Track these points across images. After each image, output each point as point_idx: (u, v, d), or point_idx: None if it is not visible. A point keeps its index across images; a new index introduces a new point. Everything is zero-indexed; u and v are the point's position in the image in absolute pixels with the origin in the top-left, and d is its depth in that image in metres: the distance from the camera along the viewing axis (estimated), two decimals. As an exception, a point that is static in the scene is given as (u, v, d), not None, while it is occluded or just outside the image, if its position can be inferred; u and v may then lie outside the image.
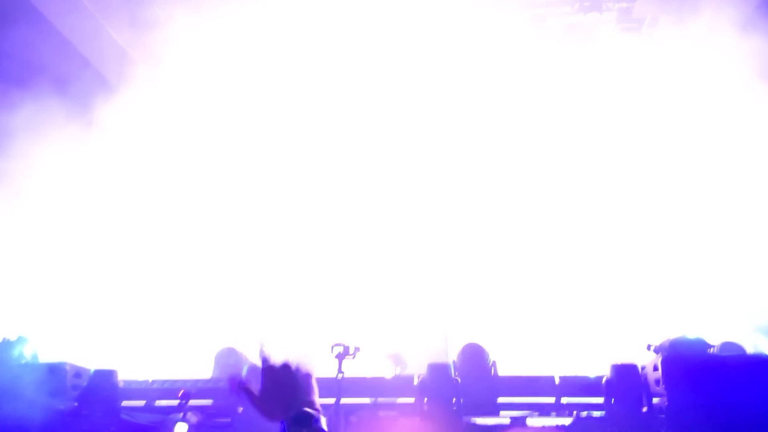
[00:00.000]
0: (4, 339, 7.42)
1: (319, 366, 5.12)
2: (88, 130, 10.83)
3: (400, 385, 7.45)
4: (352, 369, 6.76)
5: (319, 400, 4.66)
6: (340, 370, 6.06)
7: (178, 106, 12.03)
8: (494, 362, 8.05)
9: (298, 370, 1.50)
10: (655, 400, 6.75)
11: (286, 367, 1.43)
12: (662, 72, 11.37)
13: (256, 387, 4.43)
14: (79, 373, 7.18)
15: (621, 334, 9.24)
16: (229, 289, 11.11)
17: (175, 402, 7.07)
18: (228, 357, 8.35)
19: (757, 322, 8.89)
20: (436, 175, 12.03)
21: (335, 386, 5.98)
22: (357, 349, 6.28)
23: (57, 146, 9.92)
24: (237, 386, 1.81)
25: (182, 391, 6.46)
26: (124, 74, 11.80)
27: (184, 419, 6.34)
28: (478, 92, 11.98)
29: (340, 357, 6.07)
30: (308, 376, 4.59)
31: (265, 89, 12.26)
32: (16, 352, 7.29)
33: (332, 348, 6.07)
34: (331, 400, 6.05)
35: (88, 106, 10.76)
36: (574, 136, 11.74)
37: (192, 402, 7.10)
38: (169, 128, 11.93)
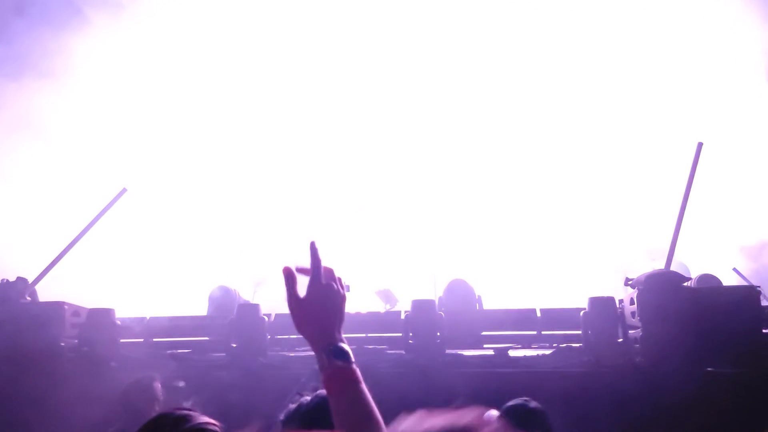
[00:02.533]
0: (3, 280, 7.62)
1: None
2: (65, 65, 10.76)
3: (388, 320, 7.77)
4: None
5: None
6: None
7: (159, 40, 11.96)
8: (479, 297, 8.37)
9: (339, 293, 1.59)
10: (631, 332, 7.04)
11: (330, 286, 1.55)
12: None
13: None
14: (77, 311, 7.46)
15: (599, 270, 9.51)
16: (224, 227, 11.31)
17: (172, 338, 7.55)
18: (221, 295, 8.63)
19: None
20: (423, 114, 12.16)
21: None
22: (347, 288, 6.47)
23: (33, 86, 9.91)
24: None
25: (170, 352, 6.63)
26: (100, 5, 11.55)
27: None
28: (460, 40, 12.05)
29: None
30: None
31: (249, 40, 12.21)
32: (15, 292, 7.48)
33: None
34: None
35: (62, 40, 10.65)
36: (558, 76, 11.84)
37: (189, 338, 7.47)
38: (152, 62, 11.91)
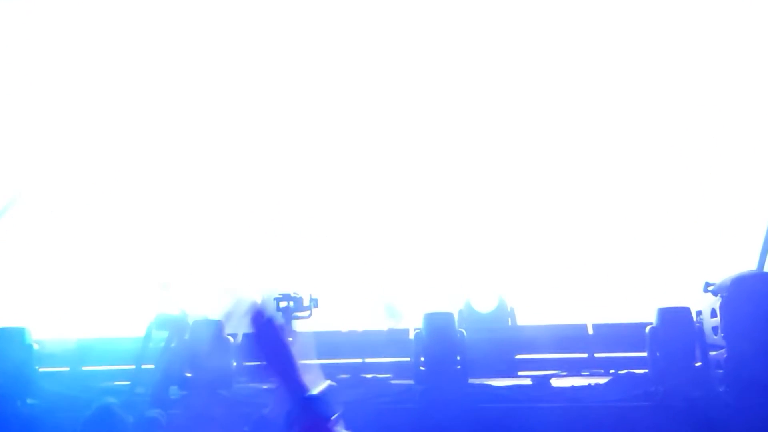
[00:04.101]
0: None
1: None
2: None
3: (392, 340, 7.20)
4: (340, 322, 7.07)
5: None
6: (290, 331, 5.18)
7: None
8: (513, 309, 7.82)
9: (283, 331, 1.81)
10: (713, 353, 6.39)
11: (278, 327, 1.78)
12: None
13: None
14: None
15: (671, 272, 9.07)
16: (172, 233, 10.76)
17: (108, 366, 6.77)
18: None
19: None
20: (441, 115, 11.95)
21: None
22: (314, 303, 5.71)
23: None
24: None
25: None
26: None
27: None
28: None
29: (288, 313, 5.33)
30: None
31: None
32: None
33: (276, 302, 5.28)
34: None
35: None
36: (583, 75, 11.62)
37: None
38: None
